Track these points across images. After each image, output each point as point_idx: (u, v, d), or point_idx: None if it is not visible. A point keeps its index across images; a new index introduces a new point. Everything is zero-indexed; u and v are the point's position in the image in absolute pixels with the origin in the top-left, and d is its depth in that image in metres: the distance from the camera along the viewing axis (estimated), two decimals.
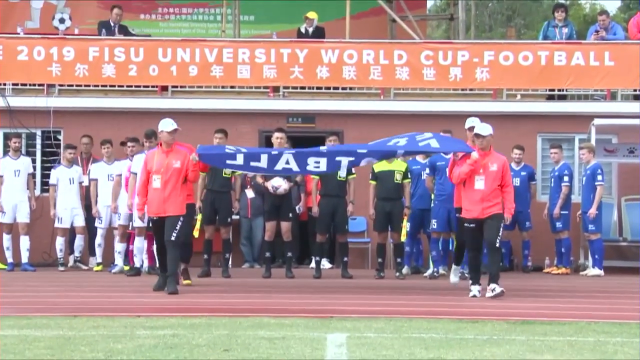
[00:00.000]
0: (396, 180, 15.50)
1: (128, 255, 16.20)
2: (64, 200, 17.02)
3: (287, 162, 13.20)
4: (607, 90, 18.71)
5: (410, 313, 10.38)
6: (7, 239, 17.04)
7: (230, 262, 16.07)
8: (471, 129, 13.11)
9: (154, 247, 13.71)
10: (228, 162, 13.45)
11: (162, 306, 10.82)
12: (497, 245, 12.25)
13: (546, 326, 9.21)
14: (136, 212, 14.11)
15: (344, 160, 13.40)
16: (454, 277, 13.61)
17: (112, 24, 19.12)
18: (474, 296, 12.14)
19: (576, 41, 18.69)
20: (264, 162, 13.25)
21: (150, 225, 13.40)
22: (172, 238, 12.65)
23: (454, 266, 13.68)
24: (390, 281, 14.97)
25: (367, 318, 9.87)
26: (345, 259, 15.82)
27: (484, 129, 12.48)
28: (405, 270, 15.98)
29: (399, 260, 15.80)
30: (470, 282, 12.51)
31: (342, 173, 15.13)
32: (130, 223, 15.84)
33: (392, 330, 8.82)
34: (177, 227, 12.67)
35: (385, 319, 9.77)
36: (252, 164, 13.36)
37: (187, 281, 13.99)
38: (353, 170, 15.64)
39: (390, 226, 15.60)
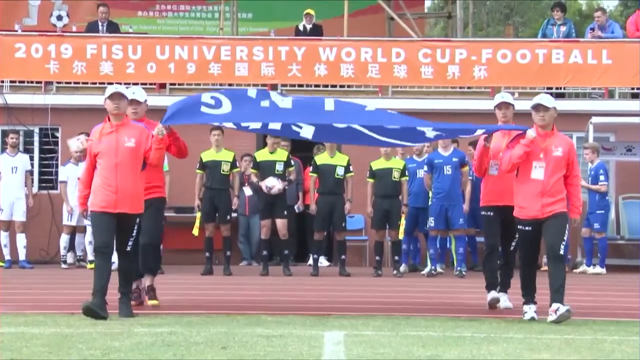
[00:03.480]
0: (394, 178, 15.51)
1: None
2: (73, 198, 17.02)
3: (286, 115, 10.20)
4: (605, 89, 18.75)
5: (408, 311, 10.38)
6: (4, 236, 17.04)
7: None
8: (501, 105, 10.55)
9: (92, 254, 10.77)
10: (205, 109, 10.03)
11: (160, 303, 10.80)
12: (562, 252, 9.54)
13: (543, 324, 9.20)
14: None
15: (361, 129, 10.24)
16: (492, 294, 10.62)
17: (99, 24, 19.10)
18: (533, 318, 9.67)
19: (574, 39, 18.72)
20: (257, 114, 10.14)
21: (91, 221, 9.78)
22: (128, 248, 9.63)
23: (497, 293, 10.60)
24: (388, 279, 14.97)
25: (364, 316, 9.86)
26: (343, 256, 15.83)
27: (548, 99, 9.90)
28: (402, 268, 15.98)
29: (396, 258, 15.78)
30: (523, 300, 9.94)
31: (341, 172, 15.11)
32: None
33: (389, 328, 8.81)
34: (134, 233, 9.64)
35: (382, 316, 9.77)
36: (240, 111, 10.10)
37: (154, 301, 10.66)
38: (351, 168, 15.63)
39: (388, 224, 15.60)
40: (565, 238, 9.55)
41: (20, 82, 18.80)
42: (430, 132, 10.51)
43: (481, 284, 11.00)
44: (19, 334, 8.05)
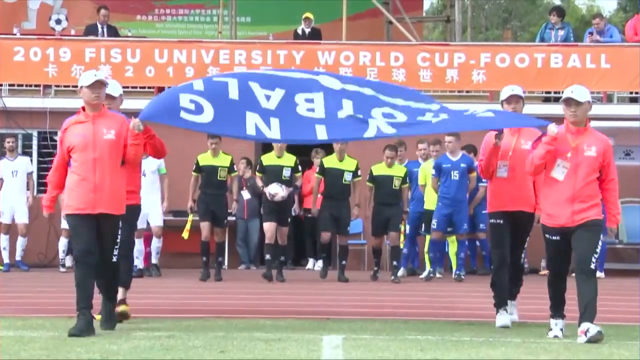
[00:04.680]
0: (395, 186, 15.36)
1: None
2: None
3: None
4: (604, 93, 18.75)
5: (407, 315, 10.39)
6: (4, 239, 17.03)
7: (226, 264, 16.01)
8: (510, 99, 9.61)
9: (72, 261, 9.95)
10: (185, 116, 9.16)
11: (158, 307, 10.81)
12: (592, 266, 8.43)
13: (542, 328, 9.19)
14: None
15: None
16: (502, 319, 9.63)
17: (99, 26, 19.09)
18: (556, 337, 8.64)
19: (572, 43, 18.74)
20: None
21: (69, 226, 8.86)
22: (114, 259, 8.69)
23: (508, 317, 9.67)
24: (386, 283, 14.95)
25: (363, 320, 9.87)
26: (344, 262, 15.57)
27: (580, 92, 8.72)
28: (401, 272, 15.89)
29: (394, 263, 15.64)
30: (550, 315, 8.86)
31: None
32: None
33: (388, 331, 8.82)
34: (119, 239, 8.67)
35: (381, 320, 9.77)
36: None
37: (123, 307, 9.56)
38: (359, 172, 15.43)
39: (388, 228, 15.43)
40: (597, 250, 8.46)
41: (18, 85, 18.80)
42: (433, 118, 9.73)
43: (480, 288, 11.02)
44: (17, 337, 8.05)
